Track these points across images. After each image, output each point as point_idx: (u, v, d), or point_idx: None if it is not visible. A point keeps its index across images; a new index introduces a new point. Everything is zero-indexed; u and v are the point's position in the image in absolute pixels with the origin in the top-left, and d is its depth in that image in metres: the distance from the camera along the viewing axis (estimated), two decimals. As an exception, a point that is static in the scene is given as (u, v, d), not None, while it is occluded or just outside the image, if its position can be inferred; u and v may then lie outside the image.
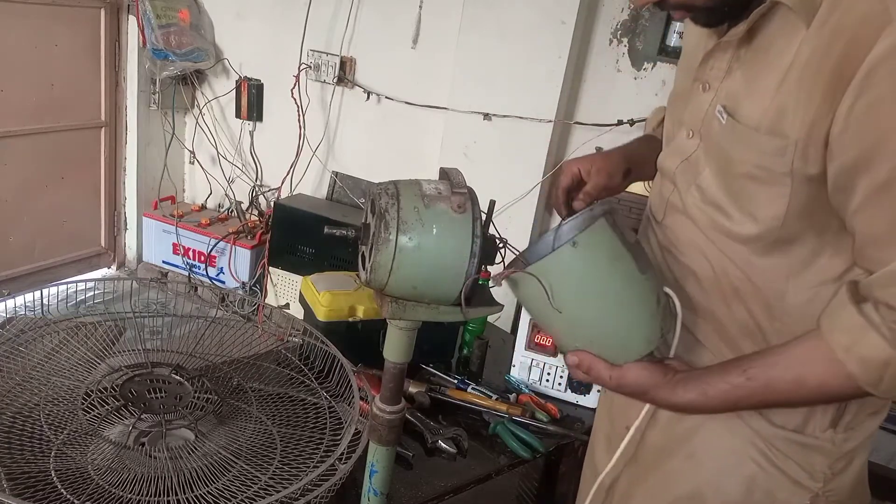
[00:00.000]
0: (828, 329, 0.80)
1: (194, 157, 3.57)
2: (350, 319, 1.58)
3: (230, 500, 1.00)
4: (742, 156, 0.85)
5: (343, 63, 3.05)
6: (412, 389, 1.49)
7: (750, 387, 0.84)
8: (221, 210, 3.57)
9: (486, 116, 2.70)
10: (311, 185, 3.30)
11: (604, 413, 1.23)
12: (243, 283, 3.31)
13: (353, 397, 1.18)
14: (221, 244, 3.28)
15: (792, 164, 0.81)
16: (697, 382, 0.88)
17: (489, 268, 0.89)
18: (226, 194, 3.56)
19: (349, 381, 1.23)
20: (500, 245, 0.90)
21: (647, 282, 0.89)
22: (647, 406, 1.00)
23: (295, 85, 3.08)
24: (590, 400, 1.59)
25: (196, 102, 3.48)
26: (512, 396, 1.56)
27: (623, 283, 0.88)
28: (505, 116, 2.66)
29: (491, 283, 0.90)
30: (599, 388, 1.41)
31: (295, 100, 3.10)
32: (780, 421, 0.94)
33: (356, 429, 1.11)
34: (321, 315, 1.56)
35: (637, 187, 1.28)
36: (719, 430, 0.98)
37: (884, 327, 0.75)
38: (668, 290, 0.93)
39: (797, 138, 0.79)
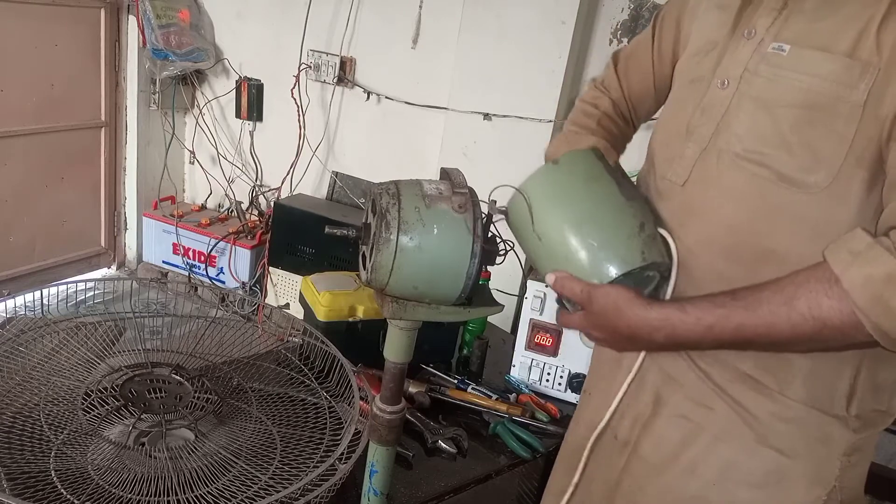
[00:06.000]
0: (831, 253, 0.76)
1: (194, 157, 3.57)
2: (350, 319, 1.58)
3: (230, 500, 0.99)
4: (808, 84, 0.81)
5: (343, 63, 3.05)
6: (412, 389, 1.49)
7: (733, 306, 0.80)
8: (221, 210, 3.57)
9: (486, 116, 2.70)
10: (311, 185, 3.30)
11: (574, 426, 1.17)
12: (243, 283, 3.31)
13: (353, 397, 1.18)
14: (221, 244, 3.28)
15: (867, 95, 0.77)
16: (677, 301, 0.85)
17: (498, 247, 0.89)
18: (226, 194, 3.56)
19: (349, 381, 1.23)
20: (502, 247, 0.90)
21: (630, 208, 0.90)
22: (626, 380, 0.98)
23: (295, 85, 3.09)
24: (590, 400, 1.59)
25: (196, 102, 3.48)
26: (512, 396, 1.55)
27: (598, 202, 0.91)
28: (505, 116, 2.66)
29: (485, 214, 0.90)
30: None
31: (295, 100, 3.10)
32: (797, 394, 0.89)
33: (356, 429, 1.11)
34: (321, 315, 1.56)
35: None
36: (718, 443, 0.94)
37: (894, 248, 0.72)
38: (662, 231, 0.92)
39: (879, 66, 0.76)
